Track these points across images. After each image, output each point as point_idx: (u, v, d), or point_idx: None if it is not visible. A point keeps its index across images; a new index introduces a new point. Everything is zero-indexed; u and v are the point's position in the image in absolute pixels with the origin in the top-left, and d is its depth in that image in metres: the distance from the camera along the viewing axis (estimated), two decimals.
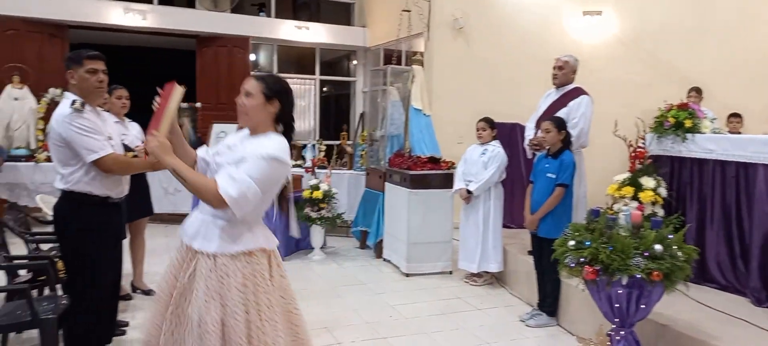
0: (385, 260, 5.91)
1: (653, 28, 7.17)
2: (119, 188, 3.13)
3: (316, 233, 6.00)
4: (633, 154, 4.31)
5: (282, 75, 10.06)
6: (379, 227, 6.05)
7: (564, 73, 4.62)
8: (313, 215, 5.87)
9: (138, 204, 4.48)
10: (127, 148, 3.72)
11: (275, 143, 2.14)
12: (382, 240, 6.00)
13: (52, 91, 7.39)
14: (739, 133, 6.13)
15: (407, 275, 5.32)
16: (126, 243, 4.46)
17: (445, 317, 4.27)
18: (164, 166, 2.16)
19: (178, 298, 2.21)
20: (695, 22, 7.04)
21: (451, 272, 5.45)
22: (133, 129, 4.55)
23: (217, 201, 2.05)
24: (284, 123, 2.26)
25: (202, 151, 2.38)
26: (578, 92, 4.55)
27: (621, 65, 7.19)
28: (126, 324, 3.95)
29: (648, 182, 4.06)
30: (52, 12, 7.94)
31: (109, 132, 3.08)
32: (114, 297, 3.40)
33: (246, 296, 2.14)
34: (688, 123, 4.16)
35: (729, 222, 3.90)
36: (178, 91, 2.24)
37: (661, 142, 4.33)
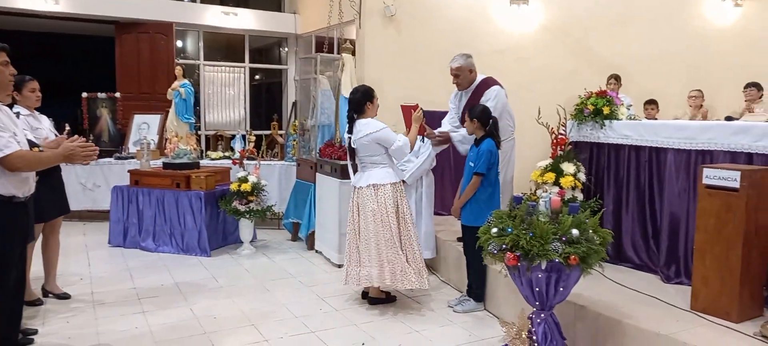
0: (317, 251, 5.84)
1: (580, 16, 7.40)
2: (26, 187, 2.99)
3: (245, 227, 5.84)
4: (555, 140, 4.43)
5: (206, 62, 9.69)
6: (310, 218, 5.96)
7: (462, 77, 4.56)
8: (241, 208, 5.70)
9: (53, 202, 4.25)
10: (32, 144, 3.48)
11: None
12: (314, 232, 5.92)
13: None
14: (655, 119, 6.45)
15: (339, 266, 5.27)
16: (37, 244, 4.21)
17: (375, 306, 4.25)
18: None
19: None
20: (621, 10, 7.32)
21: None
22: (45, 122, 4.27)
23: None
24: None
25: None
26: (487, 84, 4.53)
27: (548, 53, 7.39)
28: (34, 332, 3.69)
29: (568, 167, 4.19)
30: None
31: (13, 128, 2.92)
32: (17, 300, 3.18)
33: None
34: (606, 110, 4.31)
35: (643, 204, 4.09)
36: None
37: (581, 129, 4.46)
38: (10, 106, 3.68)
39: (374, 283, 4.10)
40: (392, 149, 4.10)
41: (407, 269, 4.04)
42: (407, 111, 4.56)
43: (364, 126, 4.10)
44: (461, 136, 4.62)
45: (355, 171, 4.36)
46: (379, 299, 4.26)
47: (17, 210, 2.93)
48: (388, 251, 4.04)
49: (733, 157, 3.48)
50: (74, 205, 7.08)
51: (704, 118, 6.55)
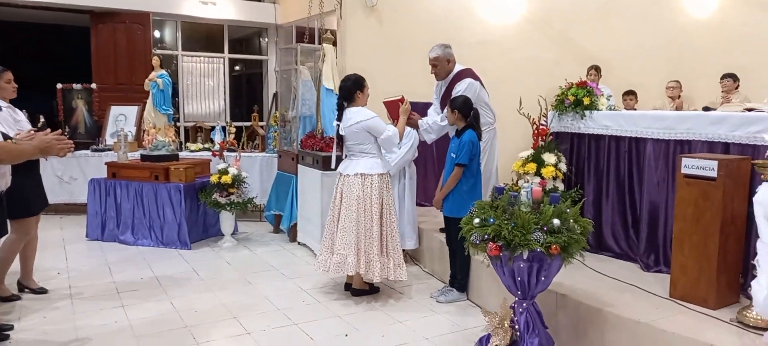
0: (299, 243, 5.81)
1: (562, 8, 7.42)
2: (3, 181, 2.94)
3: (226, 219, 5.78)
4: (536, 131, 4.46)
5: (184, 53, 9.52)
6: (292, 210, 5.92)
7: (440, 68, 4.59)
8: (222, 200, 5.64)
9: (39, 196, 4.22)
10: (5, 136, 3.40)
11: None
12: (296, 224, 5.88)
13: None
14: (634, 110, 6.52)
15: None
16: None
17: (358, 298, 4.24)
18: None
19: None
20: (602, 1, 7.36)
21: None
22: (21, 114, 4.18)
23: None
24: None
25: None
26: (460, 76, 4.54)
27: (530, 45, 7.40)
28: (10, 328, 3.62)
29: (549, 158, 4.22)
30: None
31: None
32: None
33: None
34: (586, 101, 4.34)
35: (622, 194, 4.13)
36: None
37: (562, 120, 4.49)
38: None
39: (349, 270, 4.09)
40: (381, 139, 4.11)
41: (376, 261, 4.05)
42: (391, 105, 4.54)
43: (355, 114, 4.11)
44: (427, 125, 4.65)
45: (340, 159, 4.34)
46: (362, 290, 4.25)
47: None
48: (366, 240, 4.06)
49: (710, 147, 3.53)
50: (51, 198, 6.90)
51: (679, 108, 6.65)
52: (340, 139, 4.25)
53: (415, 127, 4.70)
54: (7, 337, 3.49)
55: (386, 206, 4.15)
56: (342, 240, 4.08)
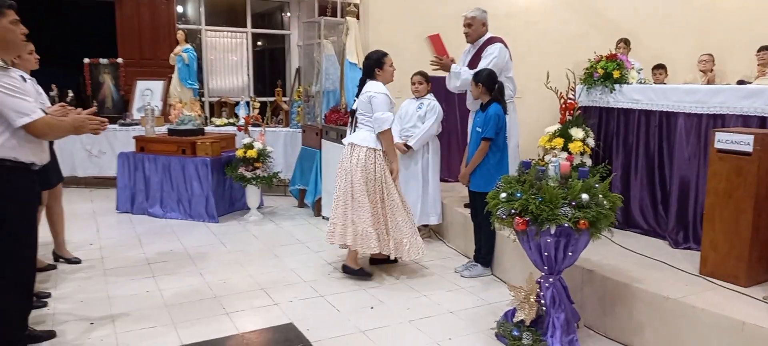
0: (324, 217, 5.86)
1: None
2: (44, 155, 3.01)
3: (252, 194, 5.85)
4: (563, 105, 4.39)
5: (208, 27, 9.48)
6: (317, 184, 5.97)
7: (473, 29, 4.59)
8: (248, 174, 5.70)
9: (55, 169, 4.28)
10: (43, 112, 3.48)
11: None
12: (320, 198, 5.93)
13: None
14: (664, 84, 6.37)
15: None
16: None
17: (383, 272, 4.28)
18: None
19: None
20: None
21: None
22: (39, 88, 4.25)
23: None
24: None
25: None
26: (490, 42, 4.52)
27: (556, 17, 7.26)
28: (47, 295, 3.76)
29: (577, 132, 4.16)
30: None
31: (29, 92, 2.97)
32: (34, 269, 3.24)
33: None
34: (616, 74, 4.25)
35: (652, 170, 4.07)
36: None
37: (591, 93, 4.41)
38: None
39: (336, 241, 4.08)
40: (375, 115, 4.02)
41: (370, 235, 3.96)
42: (434, 39, 4.68)
43: (369, 86, 4.15)
44: (457, 69, 4.57)
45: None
46: (350, 268, 4.16)
47: (34, 178, 2.95)
48: (354, 213, 4.00)
49: (745, 121, 3.44)
50: (80, 172, 7.15)
51: (711, 83, 6.47)
52: (353, 114, 4.26)
53: (448, 68, 4.63)
54: (45, 304, 3.62)
55: (379, 183, 4.02)
56: (333, 211, 4.11)
